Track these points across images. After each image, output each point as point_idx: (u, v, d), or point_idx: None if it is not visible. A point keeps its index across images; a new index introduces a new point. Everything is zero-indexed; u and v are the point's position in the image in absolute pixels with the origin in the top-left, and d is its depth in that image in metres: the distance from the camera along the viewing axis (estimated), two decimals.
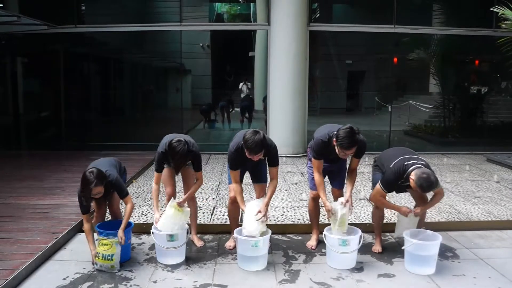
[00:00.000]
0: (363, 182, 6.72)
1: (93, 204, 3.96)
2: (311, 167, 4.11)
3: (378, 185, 3.87)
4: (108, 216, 4.42)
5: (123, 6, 11.36)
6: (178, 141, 3.76)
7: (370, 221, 4.85)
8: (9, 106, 10.35)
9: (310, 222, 4.48)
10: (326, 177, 4.22)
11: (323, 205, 4.02)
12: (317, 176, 3.97)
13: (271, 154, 3.89)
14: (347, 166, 4.17)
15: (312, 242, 4.30)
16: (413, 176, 3.60)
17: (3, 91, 10.28)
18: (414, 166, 3.67)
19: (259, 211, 3.80)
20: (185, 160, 3.89)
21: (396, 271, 3.77)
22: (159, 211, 3.98)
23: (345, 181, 4.16)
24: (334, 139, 3.69)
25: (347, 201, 3.91)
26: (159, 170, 4.01)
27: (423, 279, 3.61)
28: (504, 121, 11.05)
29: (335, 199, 4.26)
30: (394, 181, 3.79)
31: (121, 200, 4.04)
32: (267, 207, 3.89)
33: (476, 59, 11.64)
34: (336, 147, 3.69)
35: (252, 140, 3.58)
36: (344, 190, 4.21)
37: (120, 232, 3.74)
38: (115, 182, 3.81)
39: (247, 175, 4.24)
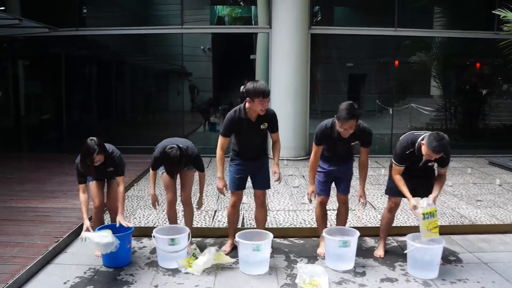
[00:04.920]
0: (365, 186, 6.68)
1: (91, 194, 4.02)
2: (320, 172, 4.11)
3: (393, 164, 3.84)
4: (107, 216, 4.40)
5: (124, 9, 11.38)
6: (171, 148, 3.81)
7: (371, 224, 4.84)
8: (10, 109, 10.36)
9: (316, 226, 4.41)
10: (333, 183, 4.20)
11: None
12: (313, 157, 4.04)
13: (272, 121, 3.97)
14: (353, 172, 4.15)
15: (322, 250, 4.21)
16: (424, 140, 3.54)
17: (5, 94, 10.29)
18: (426, 134, 3.60)
19: (275, 172, 3.95)
20: (179, 166, 3.93)
21: (398, 275, 3.75)
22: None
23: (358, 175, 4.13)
24: (336, 117, 3.75)
25: (360, 197, 4.03)
26: (154, 168, 4.10)
27: (426, 284, 3.59)
28: (506, 124, 11.02)
29: (340, 204, 4.24)
30: (403, 150, 3.72)
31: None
32: (278, 167, 4.02)
33: (477, 62, 11.62)
34: (337, 124, 3.72)
35: (263, 89, 3.70)
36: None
37: (120, 217, 3.94)
38: (118, 158, 3.96)
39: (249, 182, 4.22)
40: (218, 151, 3.99)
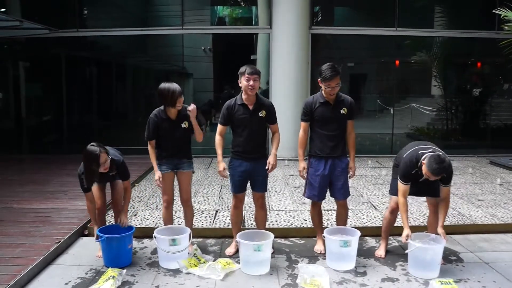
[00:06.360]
0: (366, 185, 6.70)
1: (94, 188, 4.01)
2: (315, 175, 4.08)
3: (398, 182, 3.78)
4: (109, 217, 4.41)
5: (125, 10, 11.38)
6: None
7: (372, 224, 4.84)
8: (11, 110, 10.37)
9: (313, 226, 4.43)
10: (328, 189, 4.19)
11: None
12: (301, 133, 4.15)
13: (270, 111, 4.01)
14: (348, 176, 4.14)
15: (319, 247, 4.25)
16: (425, 160, 3.55)
17: (6, 95, 10.30)
18: (429, 153, 3.59)
19: (268, 162, 3.92)
20: (179, 94, 3.91)
21: (399, 275, 3.75)
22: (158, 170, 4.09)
23: (347, 147, 4.16)
24: (319, 80, 3.90)
25: (350, 168, 4.06)
26: (152, 137, 4.06)
27: (427, 283, 3.58)
28: (507, 123, 11.00)
29: (339, 207, 4.22)
30: (408, 170, 3.70)
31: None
32: (275, 157, 3.98)
33: (478, 61, 11.61)
34: (323, 86, 3.90)
35: (249, 66, 3.85)
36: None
37: (123, 217, 3.97)
38: (122, 163, 3.96)
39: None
40: (216, 137, 4.06)
